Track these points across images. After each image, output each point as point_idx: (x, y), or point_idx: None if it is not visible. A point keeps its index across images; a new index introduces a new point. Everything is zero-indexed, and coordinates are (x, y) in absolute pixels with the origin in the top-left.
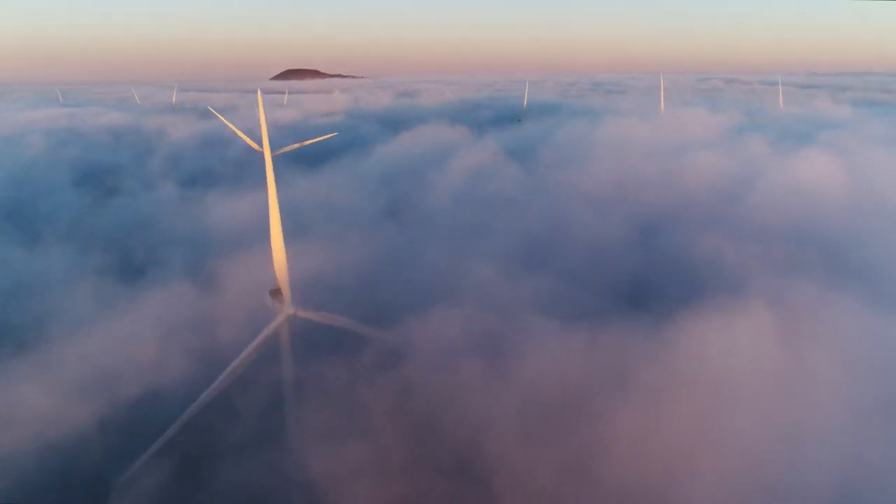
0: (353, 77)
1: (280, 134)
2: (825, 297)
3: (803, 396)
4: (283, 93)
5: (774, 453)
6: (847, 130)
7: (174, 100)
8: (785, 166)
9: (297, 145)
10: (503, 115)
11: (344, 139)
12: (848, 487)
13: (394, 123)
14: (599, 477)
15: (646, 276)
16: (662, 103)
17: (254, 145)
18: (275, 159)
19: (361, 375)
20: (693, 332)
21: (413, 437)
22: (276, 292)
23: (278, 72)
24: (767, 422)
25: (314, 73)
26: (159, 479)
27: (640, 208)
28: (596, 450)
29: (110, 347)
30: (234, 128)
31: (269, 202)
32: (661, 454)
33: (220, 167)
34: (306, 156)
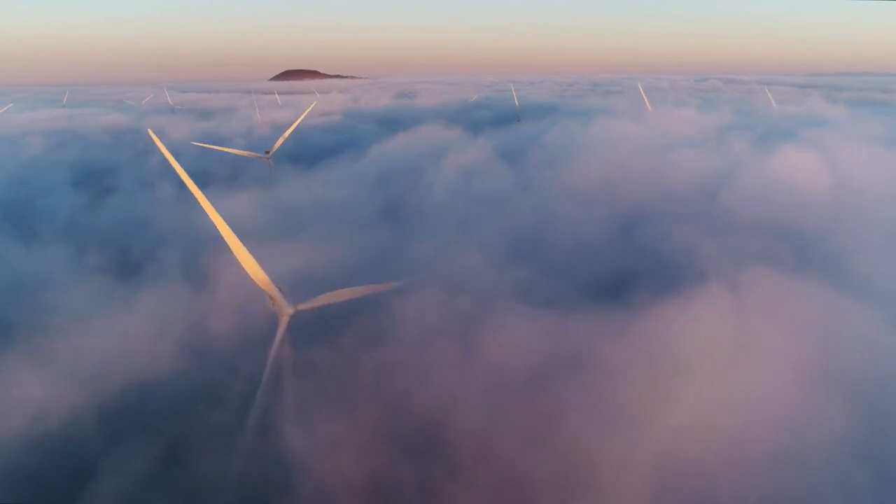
0: (353, 77)
1: (277, 134)
2: (787, 283)
3: (756, 374)
4: (283, 94)
5: (724, 421)
6: (833, 129)
7: (170, 101)
8: (763, 163)
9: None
10: (502, 115)
11: (340, 139)
12: (788, 452)
13: (391, 123)
14: (558, 447)
15: (621, 267)
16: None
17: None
18: (273, 159)
19: (341, 358)
20: (659, 316)
21: (388, 416)
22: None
23: (278, 72)
24: (718, 394)
25: (314, 74)
26: (144, 464)
27: (622, 204)
28: (557, 423)
29: (106, 342)
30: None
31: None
32: (617, 426)
33: (217, 167)
34: (303, 155)
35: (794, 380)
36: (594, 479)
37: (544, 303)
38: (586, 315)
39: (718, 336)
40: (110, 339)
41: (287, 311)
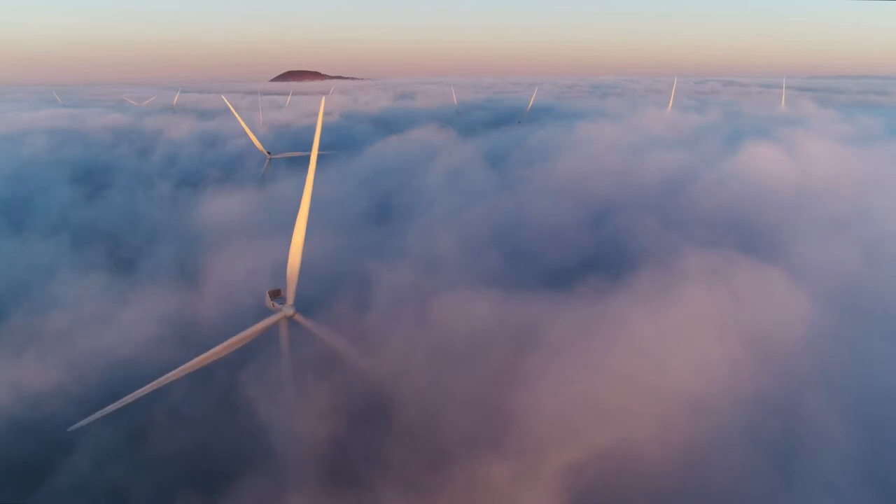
0: (354, 79)
1: (274, 135)
2: (728, 265)
3: (686, 340)
4: (283, 94)
5: (648, 376)
6: (809, 129)
7: (175, 101)
8: (728, 161)
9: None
10: (501, 116)
11: (336, 140)
12: (705, 402)
13: (387, 125)
14: (490, 411)
15: (582, 255)
16: (671, 103)
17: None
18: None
19: (312, 335)
20: (604, 297)
21: (348, 386)
22: (275, 293)
23: (278, 73)
24: (647, 358)
25: (315, 75)
26: (116, 439)
27: (591, 200)
28: (495, 390)
29: (96, 331)
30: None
31: (302, 203)
32: (564, 393)
33: (215, 166)
34: (300, 157)
35: (719, 346)
36: (508, 432)
37: (504, 286)
38: (538, 296)
39: (655, 312)
40: (100, 328)
41: (287, 312)
